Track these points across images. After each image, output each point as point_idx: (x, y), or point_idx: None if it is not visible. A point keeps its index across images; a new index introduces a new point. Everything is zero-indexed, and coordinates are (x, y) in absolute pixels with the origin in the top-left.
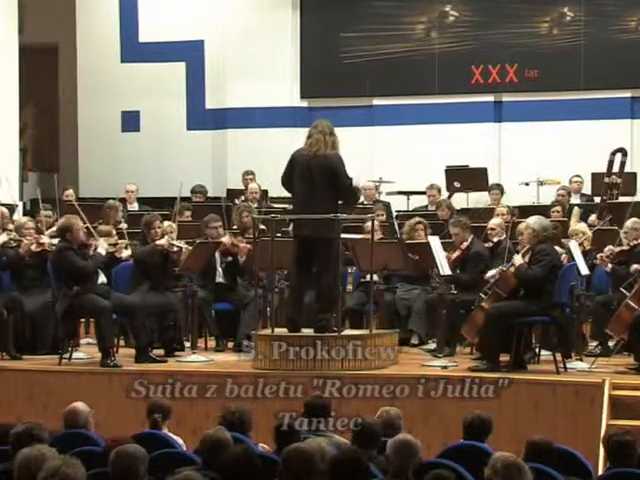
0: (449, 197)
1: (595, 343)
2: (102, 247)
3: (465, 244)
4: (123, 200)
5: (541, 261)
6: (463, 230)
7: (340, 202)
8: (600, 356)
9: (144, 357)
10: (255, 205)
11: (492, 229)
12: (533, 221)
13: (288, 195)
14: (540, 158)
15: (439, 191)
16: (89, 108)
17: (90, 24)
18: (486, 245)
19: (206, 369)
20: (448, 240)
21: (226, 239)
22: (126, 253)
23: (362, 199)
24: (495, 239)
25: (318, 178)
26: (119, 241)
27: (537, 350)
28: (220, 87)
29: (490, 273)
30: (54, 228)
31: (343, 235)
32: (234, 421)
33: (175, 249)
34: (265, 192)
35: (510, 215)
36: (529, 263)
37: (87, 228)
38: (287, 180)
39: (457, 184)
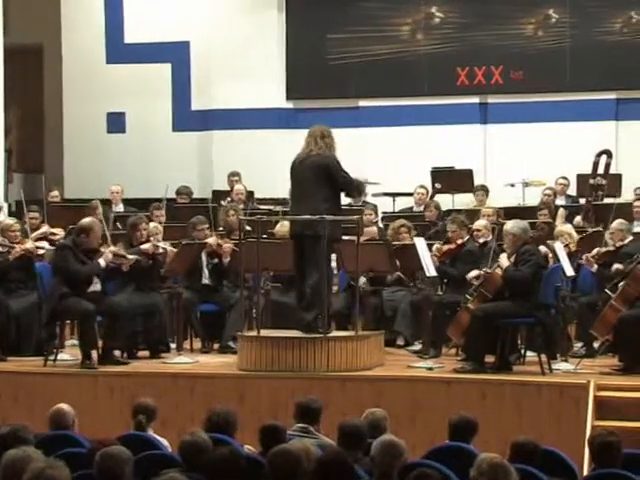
0: (430, 198)
1: (580, 344)
2: (104, 259)
3: (461, 241)
4: (108, 201)
5: (528, 261)
6: (460, 228)
7: (345, 196)
8: (585, 357)
9: (108, 359)
10: (241, 206)
11: (478, 230)
12: (511, 226)
13: (274, 196)
14: (525, 159)
15: (427, 192)
16: (74, 109)
17: (75, 25)
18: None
19: (192, 370)
20: (435, 242)
21: (212, 240)
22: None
23: (349, 200)
24: (481, 240)
25: (309, 177)
26: (127, 255)
27: (522, 351)
28: (206, 88)
29: (472, 274)
30: (41, 230)
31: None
32: (220, 422)
33: (160, 251)
34: (251, 193)
35: (496, 216)
36: (515, 264)
37: (104, 236)
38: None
39: (438, 185)
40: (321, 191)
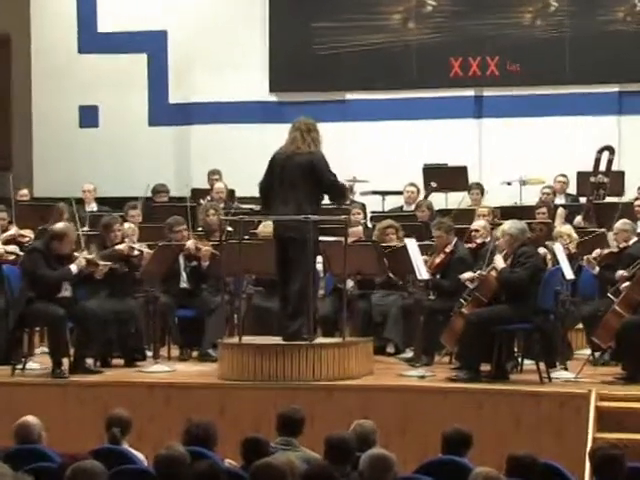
0: (425, 197)
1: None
2: (77, 265)
3: (449, 247)
4: (81, 200)
5: (525, 264)
6: (447, 233)
7: (329, 200)
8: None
9: (79, 368)
10: (221, 206)
11: (476, 231)
12: (509, 226)
13: (256, 195)
14: (523, 156)
15: (418, 190)
16: (44, 102)
17: (45, 12)
18: (468, 246)
19: (169, 379)
20: (426, 242)
21: (189, 243)
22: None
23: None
24: (479, 240)
25: (295, 177)
26: (101, 263)
27: (520, 359)
28: (184, 80)
29: (466, 275)
30: (10, 232)
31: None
32: (199, 435)
33: (136, 253)
34: (232, 192)
35: (492, 216)
36: (512, 267)
37: (78, 240)
38: (266, 186)
39: (434, 184)
40: (307, 192)
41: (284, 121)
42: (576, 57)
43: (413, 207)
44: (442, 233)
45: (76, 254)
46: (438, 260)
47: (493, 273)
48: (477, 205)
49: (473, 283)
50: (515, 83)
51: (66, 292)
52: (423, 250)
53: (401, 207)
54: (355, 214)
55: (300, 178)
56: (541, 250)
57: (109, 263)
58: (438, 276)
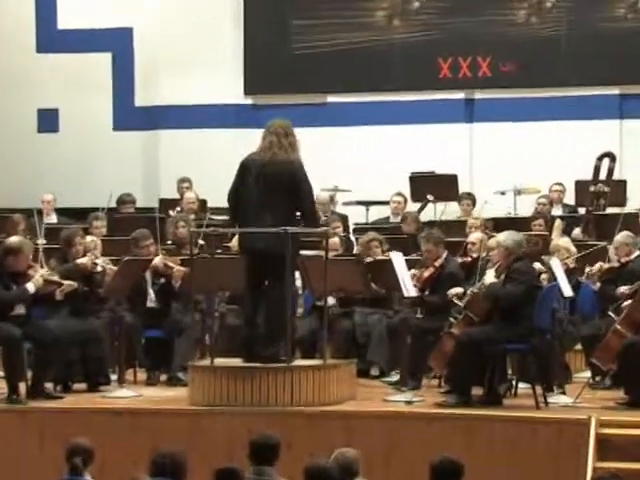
0: (419, 211)
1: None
2: (34, 283)
3: (439, 261)
4: (39, 211)
5: (517, 280)
6: (436, 246)
7: (298, 215)
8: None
9: (38, 393)
10: (192, 217)
11: (473, 244)
12: (504, 238)
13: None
14: (517, 164)
15: (406, 200)
16: (0, 105)
17: (0, 8)
18: (462, 260)
19: (135, 405)
20: (413, 257)
21: (157, 260)
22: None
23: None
24: (475, 254)
25: (273, 186)
26: (62, 282)
27: (514, 382)
28: (151, 81)
29: (454, 290)
30: None
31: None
32: (166, 466)
33: (99, 269)
34: (203, 202)
35: (483, 228)
36: (504, 283)
37: (36, 255)
38: (235, 193)
39: (430, 197)
40: (285, 203)
41: (260, 126)
42: (574, 57)
43: (400, 219)
44: (431, 246)
45: (31, 272)
46: (427, 274)
47: (484, 290)
48: (468, 216)
49: (462, 300)
50: (508, 85)
51: (20, 310)
52: (410, 265)
53: (387, 218)
54: (335, 227)
55: (278, 188)
56: (537, 265)
57: (73, 283)
58: (427, 292)
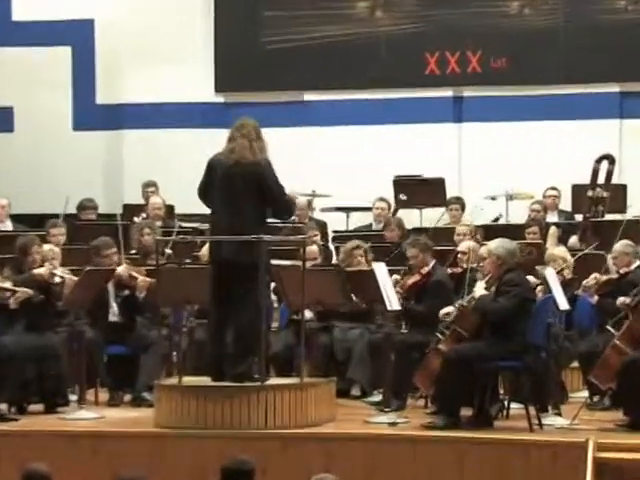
0: (394, 213)
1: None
2: None
3: (426, 269)
4: None
5: (509, 292)
6: (423, 252)
7: (271, 216)
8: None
9: None
10: (159, 224)
11: (463, 253)
12: (495, 246)
13: (199, 212)
14: (509, 166)
15: (390, 206)
16: None
17: None
18: (451, 271)
19: (96, 428)
20: (397, 267)
21: (121, 269)
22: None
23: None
24: (465, 265)
25: (241, 189)
26: (15, 289)
27: (506, 402)
28: (114, 78)
29: (445, 310)
30: None
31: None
32: None
33: (58, 279)
34: (170, 208)
35: (472, 235)
36: (495, 295)
37: None
38: (205, 191)
39: (403, 197)
40: (254, 208)
41: (231, 126)
42: (570, 52)
43: (382, 226)
44: (417, 252)
45: None
46: (411, 281)
47: (474, 304)
48: (456, 223)
49: (450, 316)
50: (500, 82)
51: None
52: (394, 274)
53: (370, 225)
54: (312, 235)
55: (247, 191)
56: (531, 278)
57: (28, 290)
58: (412, 302)
